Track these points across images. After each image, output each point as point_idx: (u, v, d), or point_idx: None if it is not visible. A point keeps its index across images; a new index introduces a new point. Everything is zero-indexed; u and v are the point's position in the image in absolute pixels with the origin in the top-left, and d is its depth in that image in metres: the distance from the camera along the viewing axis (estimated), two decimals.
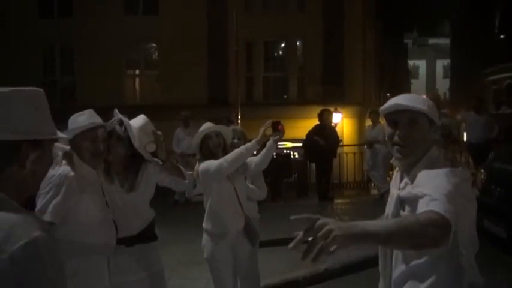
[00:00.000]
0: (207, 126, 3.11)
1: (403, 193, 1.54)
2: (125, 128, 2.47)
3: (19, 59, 12.39)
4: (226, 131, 3.20)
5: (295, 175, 9.19)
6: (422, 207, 1.37)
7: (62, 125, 2.18)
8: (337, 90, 11.99)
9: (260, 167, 3.14)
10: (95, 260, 2.24)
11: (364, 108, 12.43)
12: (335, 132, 8.08)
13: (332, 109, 8.59)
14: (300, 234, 1.22)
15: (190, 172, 2.89)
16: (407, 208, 1.52)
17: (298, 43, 13.44)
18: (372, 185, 9.02)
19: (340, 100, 11.57)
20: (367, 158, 8.24)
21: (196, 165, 3.29)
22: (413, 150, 1.54)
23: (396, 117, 1.55)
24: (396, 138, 1.54)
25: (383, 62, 21.62)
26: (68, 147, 2.24)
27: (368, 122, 9.37)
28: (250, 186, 3.35)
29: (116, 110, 2.59)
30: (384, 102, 1.87)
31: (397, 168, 1.67)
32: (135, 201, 2.59)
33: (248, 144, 3.00)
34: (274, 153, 6.25)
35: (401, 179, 1.61)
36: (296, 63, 13.43)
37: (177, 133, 7.57)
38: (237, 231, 3.07)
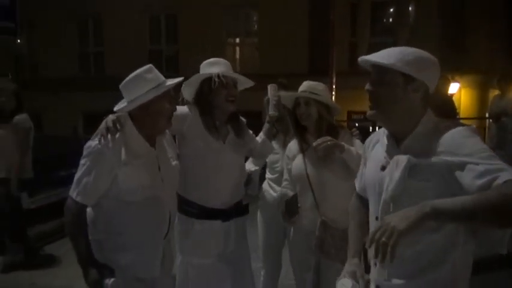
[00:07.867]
0: (302, 87, 2.43)
1: (415, 160, 1.34)
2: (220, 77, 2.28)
3: (127, 29, 12.98)
4: (331, 102, 2.47)
5: None
6: (474, 177, 1.23)
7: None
8: (456, 56, 10.44)
9: None
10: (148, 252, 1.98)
11: (488, 78, 10.71)
12: (451, 103, 6.92)
13: (449, 77, 7.39)
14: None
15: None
16: (419, 177, 1.34)
17: (410, 3, 11.98)
18: None
19: (459, 67, 10.10)
20: (491, 134, 6.97)
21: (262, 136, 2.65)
22: (380, 108, 1.43)
23: (371, 72, 1.47)
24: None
25: None
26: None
27: (494, 92, 7.94)
28: None
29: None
30: None
31: (384, 132, 1.53)
32: (241, 158, 2.37)
33: None
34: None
35: (392, 147, 1.46)
36: (407, 25, 12.03)
37: None
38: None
